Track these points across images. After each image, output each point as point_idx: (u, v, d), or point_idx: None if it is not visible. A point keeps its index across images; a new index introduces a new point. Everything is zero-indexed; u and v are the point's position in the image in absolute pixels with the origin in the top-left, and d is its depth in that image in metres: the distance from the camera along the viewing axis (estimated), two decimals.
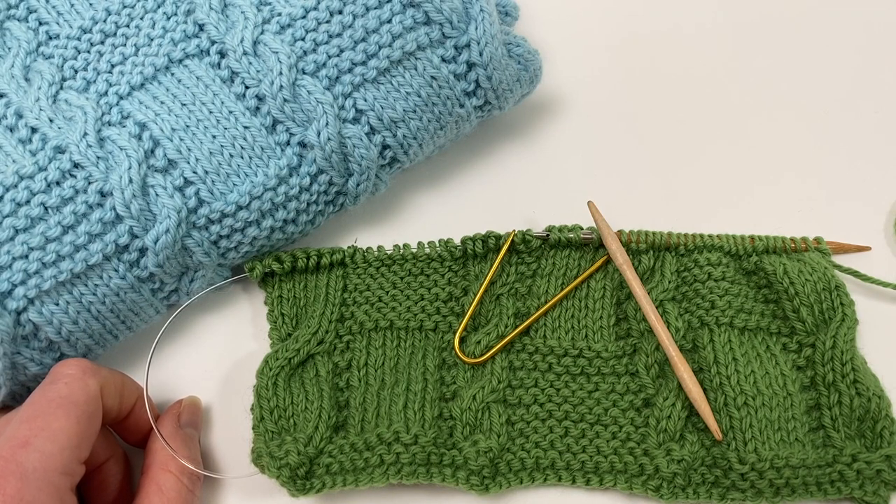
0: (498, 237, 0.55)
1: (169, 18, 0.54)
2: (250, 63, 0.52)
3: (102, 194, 0.49)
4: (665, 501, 0.50)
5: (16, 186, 0.49)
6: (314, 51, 0.52)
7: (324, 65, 0.52)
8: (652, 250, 0.55)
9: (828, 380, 0.51)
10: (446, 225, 0.58)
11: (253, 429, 0.51)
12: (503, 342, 0.53)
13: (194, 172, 0.51)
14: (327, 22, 0.52)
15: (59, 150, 0.49)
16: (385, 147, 0.55)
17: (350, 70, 0.52)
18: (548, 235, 0.55)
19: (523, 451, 0.51)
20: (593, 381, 0.53)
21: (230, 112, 0.52)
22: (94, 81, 0.53)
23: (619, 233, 0.55)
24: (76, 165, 0.49)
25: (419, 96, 0.53)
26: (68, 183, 0.49)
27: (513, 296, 0.55)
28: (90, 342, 0.51)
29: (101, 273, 0.50)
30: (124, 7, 0.55)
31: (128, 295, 0.51)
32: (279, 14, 0.53)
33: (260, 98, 0.52)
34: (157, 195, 0.50)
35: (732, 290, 0.54)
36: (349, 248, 0.56)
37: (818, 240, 0.56)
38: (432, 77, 0.53)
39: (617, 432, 0.51)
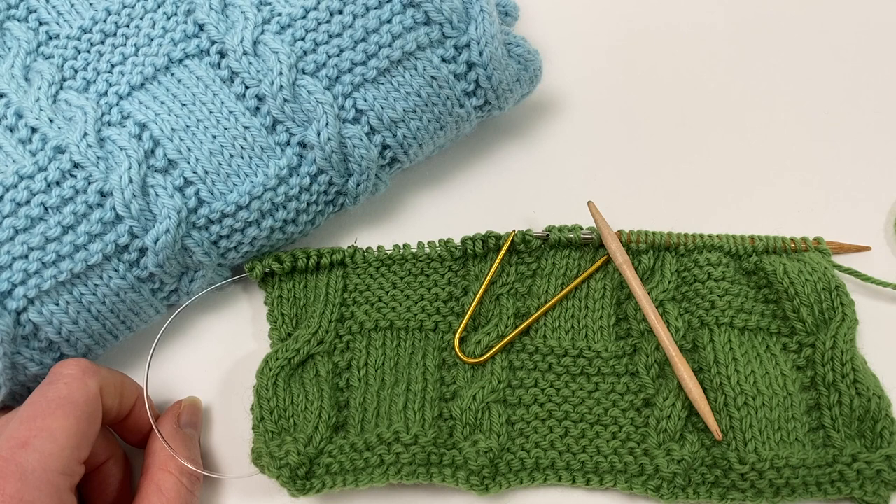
0: (498, 237, 0.55)
1: (169, 18, 0.54)
2: (250, 63, 0.52)
3: (102, 194, 0.49)
4: (665, 501, 0.50)
5: (16, 186, 0.49)
6: (314, 51, 0.52)
7: (324, 65, 0.52)
8: (652, 250, 0.55)
9: (828, 380, 0.51)
10: (446, 225, 0.58)
11: (253, 429, 0.51)
12: (503, 342, 0.53)
13: (194, 172, 0.51)
14: (327, 22, 0.52)
15: (59, 150, 0.49)
16: (385, 147, 0.55)
17: (350, 70, 0.52)
18: (548, 235, 0.55)
19: (523, 451, 0.51)
20: (593, 381, 0.53)
21: (230, 112, 0.52)
22: (94, 81, 0.53)
23: (619, 233, 0.55)
24: (76, 165, 0.49)
25: (419, 96, 0.53)
26: (68, 183, 0.49)
27: (513, 296, 0.55)
28: (90, 342, 0.51)
29: (101, 273, 0.50)
30: (124, 7, 0.55)
31: (128, 295, 0.51)
32: (279, 14, 0.53)
33: (260, 98, 0.52)
34: (157, 195, 0.50)
35: (732, 290, 0.54)
36: (349, 248, 0.56)
37: (818, 240, 0.56)
38: (432, 77, 0.53)
39: (617, 432, 0.51)
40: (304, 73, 0.52)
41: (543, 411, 0.52)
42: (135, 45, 0.53)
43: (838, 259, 0.56)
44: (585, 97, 0.64)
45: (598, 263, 0.55)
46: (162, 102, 0.52)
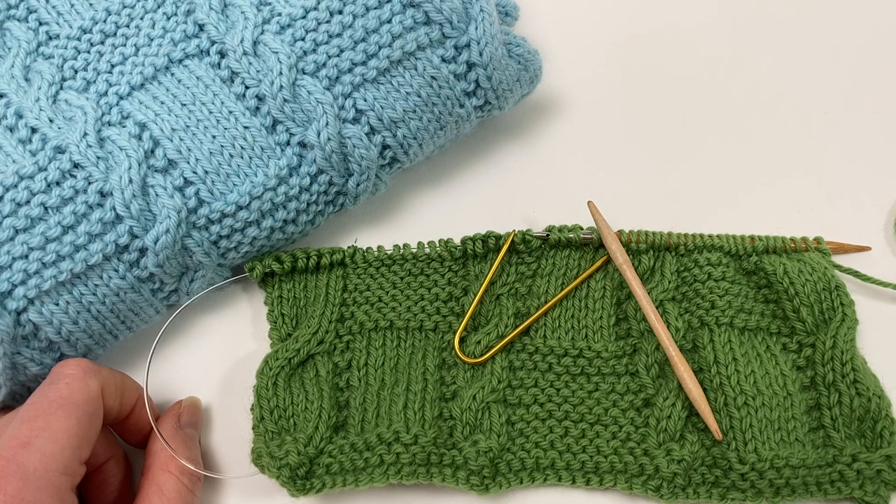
0: (498, 237, 0.55)
1: (169, 18, 0.54)
2: (250, 63, 0.52)
3: (102, 194, 0.49)
4: (665, 501, 0.50)
5: (16, 186, 0.49)
6: (314, 51, 0.52)
7: (324, 65, 0.52)
8: (652, 250, 0.55)
9: (828, 380, 0.51)
10: (446, 225, 0.58)
11: (253, 429, 0.51)
12: (503, 342, 0.53)
13: (194, 172, 0.51)
14: (327, 22, 0.52)
15: (59, 150, 0.49)
16: (385, 147, 0.55)
17: (350, 70, 0.52)
18: (548, 235, 0.55)
19: (523, 451, 0.51)
20: (593, 381, 0.53)
21: (230, 112, 0.52)
22: (94, 81, 0.53)
23: (619, 233, 0.55)
24: (76, 165, 0.49)
25: (419, 96, 0.53)
26: (68, 183, 0.49)
27: (513, 296, 0.55)
28: (90, 342, 0.51)
29: (101, 273, 0.50)
30: (124, 7, 0.55)
31: (128, 295, 0.51)
32: (279, 14, 0.53)
33: (260, 98, 0.52)
34: (157, 195, 0.50)
35: (732, 290, 0.54)
36: (349, 248, 0.56)
37: (818, 240, 0.56)
38: (432, 77, 0.53)
39: (617, 432, 0.51)
40: (304, 73, 0.52)
41: (543, 411, 0.52)
42: (135, 45, 0.53)
43: (838, 259, 0.56)
44: (585, 97, 0.64)
45: (598, 263, 0.55)
46: (162, 102, 0.52)
